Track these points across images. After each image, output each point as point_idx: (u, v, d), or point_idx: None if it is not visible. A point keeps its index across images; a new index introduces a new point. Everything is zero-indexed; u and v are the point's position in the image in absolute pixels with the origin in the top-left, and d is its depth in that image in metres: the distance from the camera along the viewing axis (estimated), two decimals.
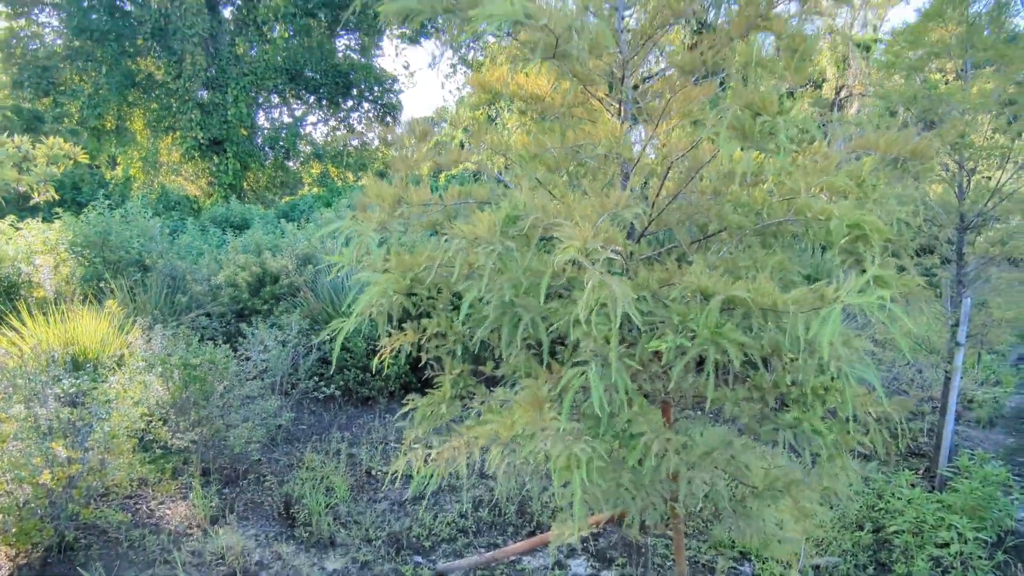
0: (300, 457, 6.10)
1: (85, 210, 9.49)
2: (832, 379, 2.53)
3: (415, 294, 2.84)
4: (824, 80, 16.05)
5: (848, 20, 17.00)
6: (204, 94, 17.30)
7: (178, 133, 17.61)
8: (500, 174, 3.61)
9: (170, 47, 16.48)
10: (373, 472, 5.96)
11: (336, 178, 20.09)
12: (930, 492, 5.64)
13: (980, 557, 4.69)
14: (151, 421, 5.07)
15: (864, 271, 2.36)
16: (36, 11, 17.00)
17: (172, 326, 7.07)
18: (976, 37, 5.39)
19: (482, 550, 4.84)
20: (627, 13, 2.82)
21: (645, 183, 2.99)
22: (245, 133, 17.72)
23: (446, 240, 2.44)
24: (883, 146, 2.76)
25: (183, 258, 9.53)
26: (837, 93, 15.68)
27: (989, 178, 6.03)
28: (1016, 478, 6.37)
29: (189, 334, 6.67)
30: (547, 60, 2.45)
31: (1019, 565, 4.80)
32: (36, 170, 4.50)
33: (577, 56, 2.31)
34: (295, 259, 8.34)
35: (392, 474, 2.90)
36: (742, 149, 2.19)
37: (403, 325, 3.42)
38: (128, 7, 16.74)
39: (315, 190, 18.26)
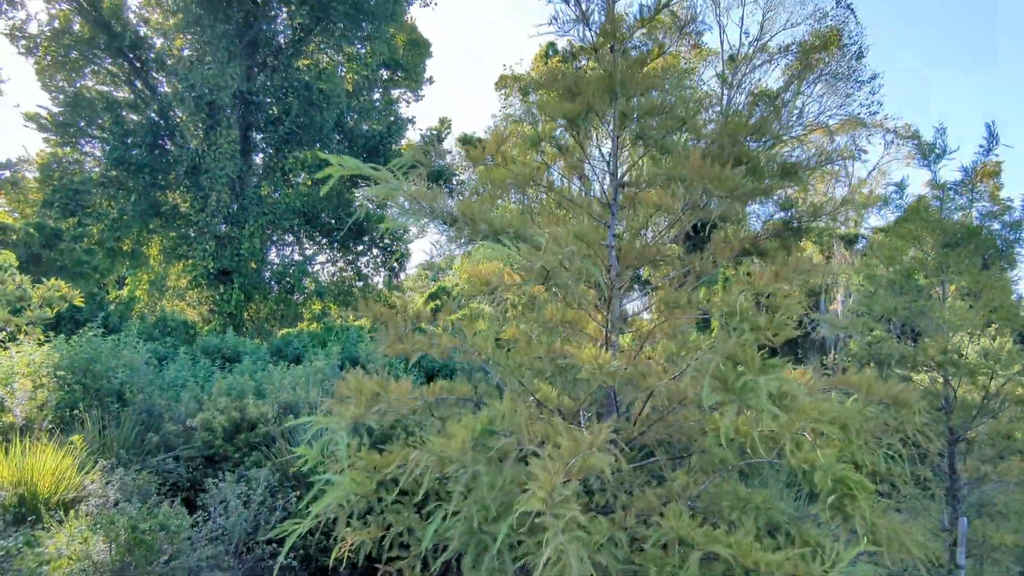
0: None
1: (80, 331, 9.47)
2: None
3: (381, 498, 2.71)
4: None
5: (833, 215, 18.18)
6: (223, 227, 18.12)
7: (191, 261, 18.16)
8: (485, 365, 3.62)
9: (199, 184, 17.56)
10: None
11: (336, 316, 20.35)
12: None
13: None
14: None
15: (852, 527, 2.26)
16: (83, 141, 18.37)
17: (135, 470, 6.72)
18: (952, 263, 5.72)
19: None
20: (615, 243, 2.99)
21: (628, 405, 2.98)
22: (254, 266, 18.27)
23: (417, 455, 2.37)
24: (864, 388, 2.78)
25: (165, 391, 9.32)
26: (830, 277, 16.39)
27: (977, 390, 6.06)
28: None
29: (151, 480, 6.32)
30: (546, 285, 2.55)
31: None
32: (28, 312, 4.54)
33: (566, 284, 2.40)
34: (276, 406, 8.16)
35: None
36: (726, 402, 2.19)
37: (367, 517, 3.24)
38: (168, 145, 18.10)
39: (313, 326, 18.42)
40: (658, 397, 2.71)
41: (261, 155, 20.13)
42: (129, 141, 17.56)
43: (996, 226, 6.03)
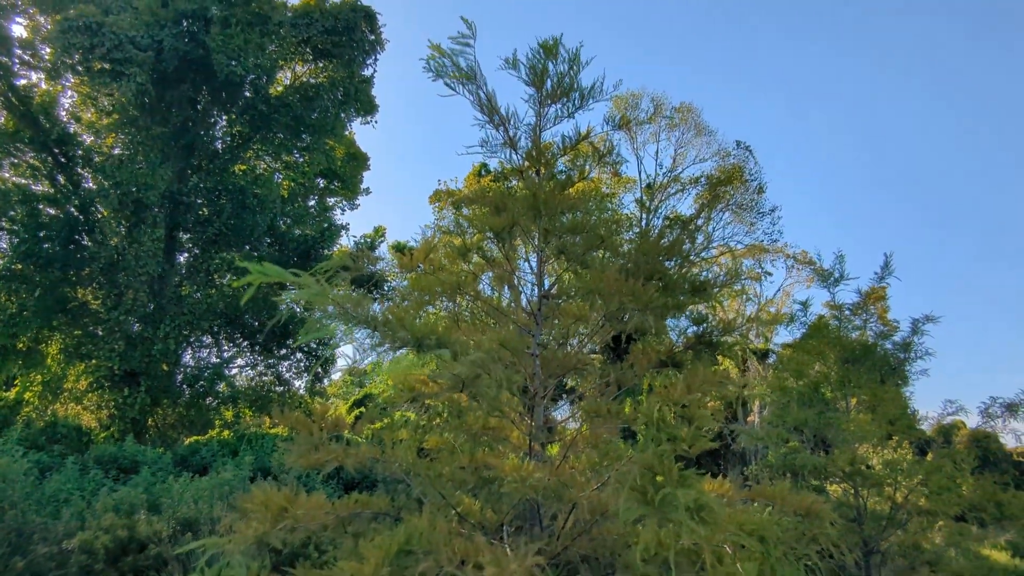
0: None
1: None
2: None
3: None
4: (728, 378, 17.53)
5: (744, 331, 19.32)
6: (136, 327, 17.08)
7: (95, 361, 16.82)
8: (406, 478, 3.49)
9: (115, 281, 16.70)
10: None
11: (250, 423, 19.07)
12: None
13: None
14: None
15: None
16: None
17: None
18: (852, 377, 6.15)
19: None
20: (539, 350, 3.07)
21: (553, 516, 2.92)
22: (166, 368, 17.12)
23: (321, 566, 2.20)
24: (779, 499, 2.86)
25: (44, 507, 8.27)
26: (740, 393, 17.01)
27: (885, 499, 6.30)
28: None
29: None
30: (463, 392, 2.55)
31: None
32: None
33: (486, 392, 2.41)
34: (173, 523, 7.38)
35: None
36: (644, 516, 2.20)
37: None
38: (85, 241, 17.32)
39: (224, 434, 17.11)
40: (581, 509, 2.68)
41: (186, 255, 19.56)
42: (42, 235, 16.72)
43: (888, 345, 6.59)
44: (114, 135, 18.58)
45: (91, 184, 17.86)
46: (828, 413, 6.43)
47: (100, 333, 17.07)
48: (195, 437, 17.40)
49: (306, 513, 2.81)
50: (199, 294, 18.39)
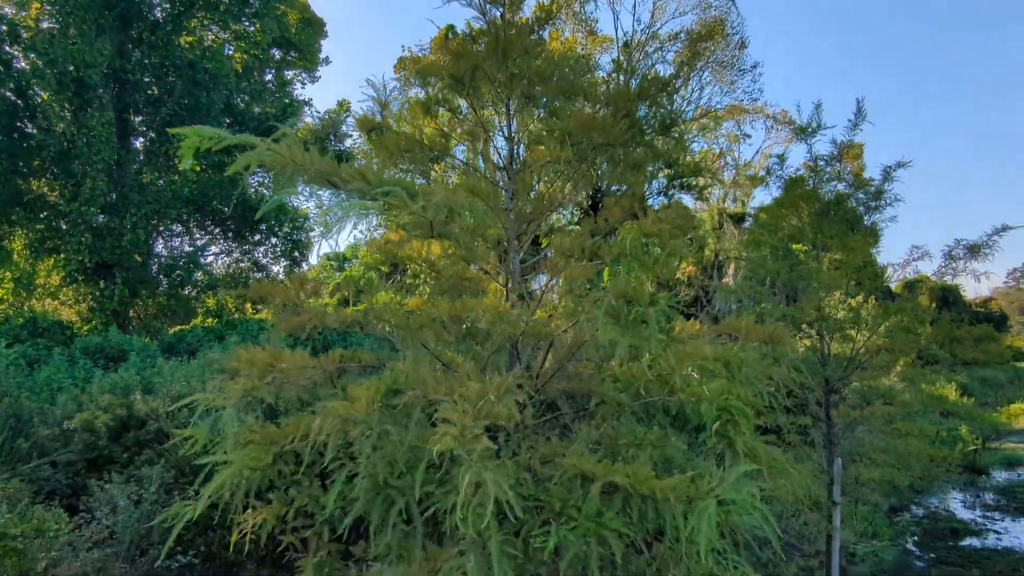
0: None
1: None
2: (714, 565, 2.48)
3: (281, 471, 2.61)
4: (706, 245, 17.92)
5: (722, 195, 19.48)
6: (100, 218, 16.54)
7: (63, 256, 16.45)
8: (391, 336, 3.58)
9: (70, 170, 15.90)
10: None
11: (232, 309, 19.20)
12: None
13: None
14: None
15: (736, 450, 2.44)
16: None
17: (3, 479, 6.06)
18: (824, 227, 6.27)
19: None
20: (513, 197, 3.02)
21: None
22: (139, 259, 16.84)
23: (319, 421, 2.30)
24: (744, 331, 2.99)
25: (37, 394, 8.47)
26: (716, 256, 17.47)
27: (848, 343, 6.71)
28: None
29: (23, 488, 5.73)
30: (435, 238, 2.54)
31: None
32: None
33: (459, 237, 2.40)
34: (168, 401, 7.62)
35: None
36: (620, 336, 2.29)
37: (269, 495, 3.12)
38: (30, 129, 16.23)
39: (208, 322, 17.29)
40: (559, 347, 2.79)
41: (141, 139, 18.52)
42: None
43: (860, 195, 6.65)
44: (38, 4, 16.78)
45: (24, 64, 16.41)
46: (800, 267, 6.62)
47: (64, 226, 16.54)
48: (180, 327, 17.55)
49: (291, 367, 2.87)
50: (162, 181, 17.68)
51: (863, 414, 6.11)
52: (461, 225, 2.32)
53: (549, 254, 3.26)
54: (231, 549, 6.67)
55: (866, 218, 6.84)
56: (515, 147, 3.54)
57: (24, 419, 7.43)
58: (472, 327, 3.03)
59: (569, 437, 2.83)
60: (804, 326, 6.71)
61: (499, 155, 3.63)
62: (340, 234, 2.68)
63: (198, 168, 18.14)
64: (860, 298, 6.89)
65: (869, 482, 6.47)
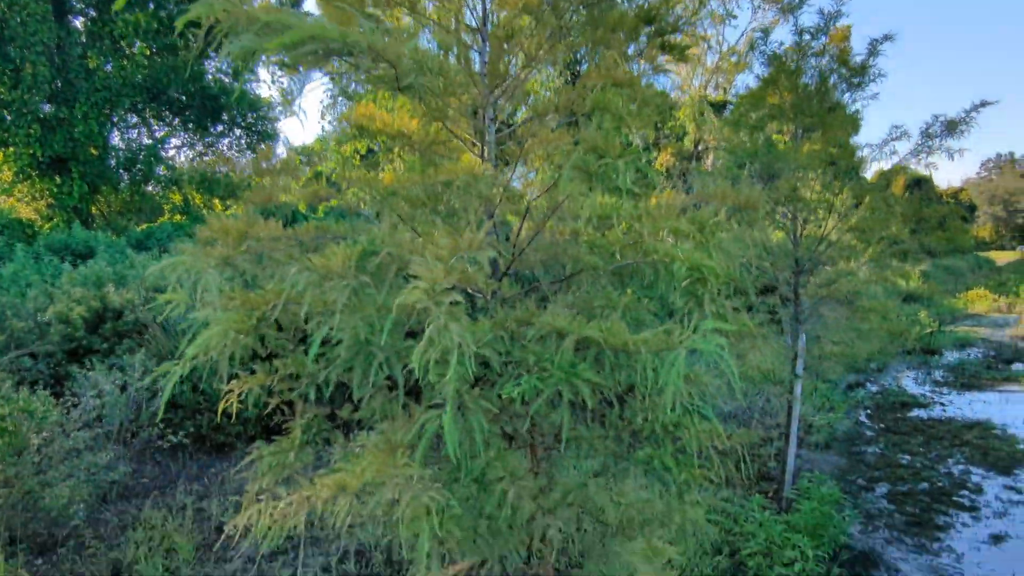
0: (137, 515, 5.39)
1: None
2: (682, 415, 2.63)
3: (263, 336, 2.62)
4: (685, 134, 17.62)
5: (703, 82, 18.89)
6: (47, 108, 15.52)
7: (11, 149, 15.56)
8: (367, 211, 3.51)
9: (7, 55, 14.67)
10: (225, 527, 5.40)
11: (201, 206, 18.67)
12: (778, 514, 6.10)
13: (819, 573, 5.10)
14: None
15: (705, 312, 2.51)
16: None
17: None
18: (804, 105, 6.14)
19: None
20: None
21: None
22: (95, 152, 16.02)
23: (295, 273, 2.28)
24: (720, 196, 2.99)
25: (5, 290, 8.32)
26: (696, 145, 17.25)
27: (819, 227, 6.82)
28: (847, 495, 7.09)
29: (3, 378, 5.77)
30: (401, 93, 2.42)
31: None
32: None
33: (429, 91, 2.29)
34: (143, 293, 7.56)
35: (237, 529, 2.62)
36: (589, 190, 2.27)
37: (252, 366, 3.17)
38: None
39: (176, 218, 16.84)
40: (535, 214, 2.77)
41: (81, 18, 17.01)
42: None
43: (843, 70, 6.47)
44: None
45: None
46: (776, 149, 6.56)
47: (9, 117, 15.53)
48: (147, 224, 17.10)
49: (267, 236, 2.81)
50: (110, 66, 16.45)
51: (830, 291, 6.33)
52: (431, 83, 2.21)
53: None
54: (220, 430, 6.91)
55: (848, 96, 6.71)
56: (488, 8, 3.31)
57: None
58: (448, 198, 2.98)
59: (546, 304, 2.88)
60: (778, 215, 6.78)
61: (473, 15, 3.40)
62: (301, 99, 2.53)
63: (148, 52, 16.86)
64: (836, 182, 6.90)
65: (831, 356, 6.84)
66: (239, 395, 3.23)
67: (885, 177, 6.89)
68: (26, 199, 17.01)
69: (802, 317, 6.82)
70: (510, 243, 2.99)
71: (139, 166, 17.52)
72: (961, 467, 8.08)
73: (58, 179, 15.74)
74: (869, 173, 7.57)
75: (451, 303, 1.88)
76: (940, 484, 7.49)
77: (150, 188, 18.41)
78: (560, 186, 2.10)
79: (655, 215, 2.67)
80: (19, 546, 4.78)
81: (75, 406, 5.37)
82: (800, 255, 6.67)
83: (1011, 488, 7.40)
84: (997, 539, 6.21)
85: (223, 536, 5.27)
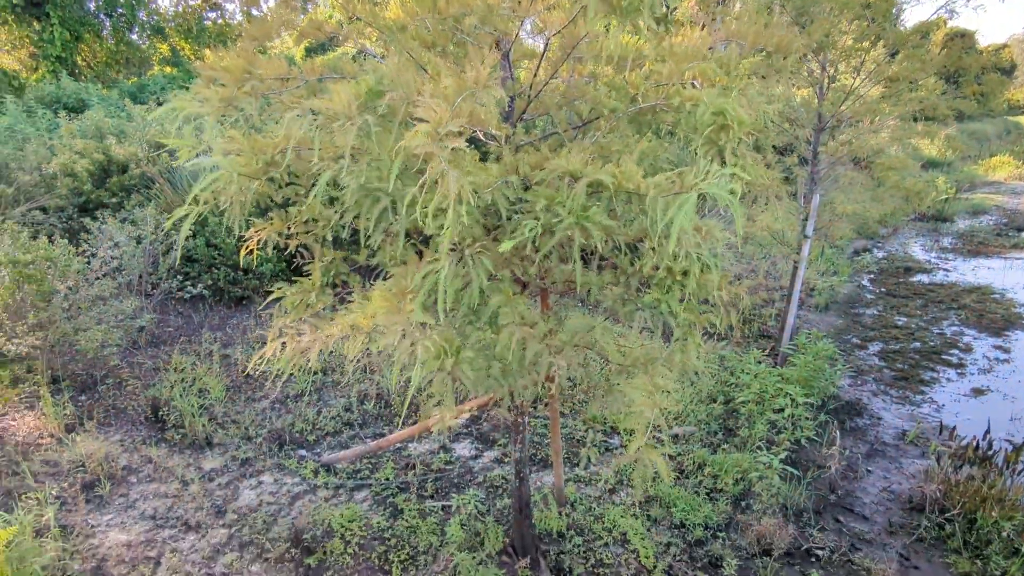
0: (167, 360, 5.73)
1: None
2: (691, 263, 2.67)
3: (273, 179, 2.59)
4: None
5: None
6: None
7: None
8: (375, 52, 3.32)
9: None
10: (250, 372, 5.76)
11: (191, 57, 17.64)
12: (773, 367, 6.42)
13: (807, 418, 5.47)
14: None
15: (724, 162, 2.45)
16: None
17: None
18: None
19: (368, 440, 4.93)
20: None
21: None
22: None
23: (296, 117, 2.21)
24: (751, 37, 2.79)
25: (3, 143, 8.16)
26: None
27: (851, 78, 6.45)
28: (841, 352, 7.41)
29: (18, 229, 5.85)
30: None
31: (835, 423, 5.67)
32: None
33: None
34: (146, 146, 7.41)
35: (259, 368, 2.78)
36: (611, 25, 2.11)
37: (269, 214, 3.18)
38: None
39: (167, 70, 16.01)
40: (553, 51, 2.60)
41: None
42: None
43: None
44: None
45: None
46: None
47: None
48: (135, 78, 16.32)
49: (270, 75, 2.68)
50: None
51: (851, 148, 6.13)
52: None
53: None
54: (237, 284, 7.11)
55: None
56: None
57: (0, 165, 7.26)
58: (459, 35, 2.79)
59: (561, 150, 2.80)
60: (803, 69, 6.36)
61: None
62: None
63: None
64: (871, 28, 6.38)
65: (842, 216, 6.79)
66: (259, 242, 3.27)
67: (924, 28, 6.37)
68: (6, 47, 16.10)
69: (818, 177, 6.68)
70: (525, 84, 2.85)
71: (120, 11, 16.34)
72: (955, 328, 8.34)
73: (37, 24, 14.77)
74: (909, 23, 6.99)
75: (454, 149, 1.82)
76: (932, 344, 7.78)
77: (135, 38, 17.32)
78: (587, 18, 1.94)
79: (679, 55, 2.51)
80: (63, 384, 5.13)
81: (94, 256, 5.48)
82: (824, 110, 6.37)
83: (1000, 348, 7.69)
84: (978, 392, 6.57)
85: (250, 379, 5.63)
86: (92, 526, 3.75)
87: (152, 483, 4.20)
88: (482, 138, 2.04)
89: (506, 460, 4.79)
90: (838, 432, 5.39)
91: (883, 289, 10.25)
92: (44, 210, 7.08)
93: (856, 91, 6.20)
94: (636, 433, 2.11)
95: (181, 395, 5.04)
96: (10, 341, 4.51)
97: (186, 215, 2.63)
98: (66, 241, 4.94)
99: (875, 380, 6.82)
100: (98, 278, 5.17)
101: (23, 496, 3.87)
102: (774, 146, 6.99)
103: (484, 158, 2.85)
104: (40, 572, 3.13)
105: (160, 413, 4.88)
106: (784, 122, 6.32)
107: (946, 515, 4.40)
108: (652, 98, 2.51)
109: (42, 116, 10.62)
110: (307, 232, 2.79)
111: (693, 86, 2.51)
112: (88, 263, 5.28)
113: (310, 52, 15.75)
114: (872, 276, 11.07)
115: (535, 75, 2.72)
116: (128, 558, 3.53)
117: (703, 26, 2.63)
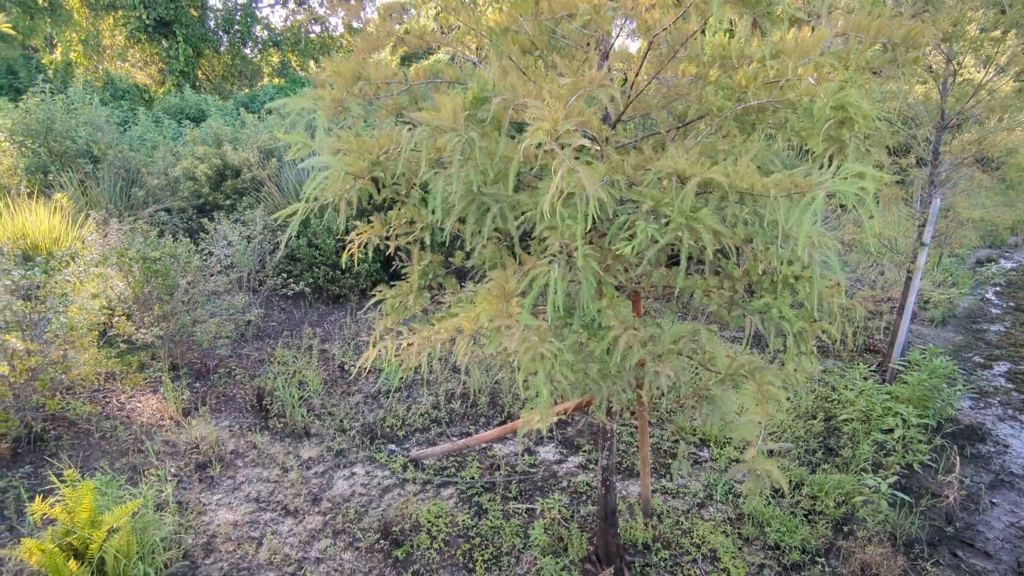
0: (271, 353, 6.10)
1: (23, 97, 8.79)
2: (803, 269, 2.52)
3: (377, 180, 2.69)
4: None
5: None
6: None
7: (120, 13, 16.08)
8: (473, 57, 3.38)
9: None
10: (345, 367, 6.02)
11: (297, 68, 18.81)
12: (881, 384, 5.96)
13: (920, 441, 5.03)
14: (113, 315, 4.95)
15: (849, 159, 2.29)
16: None
17: (129, 221, 6.78)
18: None
19: (454, 438, 5.02)
20: None
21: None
22: (196, 14, 16.27)
23: (409, 128, 2.27)
24: (874, 30, 2.59)
25: (136, 150, 9.00)
26: None
27: (979, 71, 5.90)
28: (960, 371, 6.76)
29: (147, 229, 6.42)
30: None
31: (954, 448, 5.17)
32: None
33: None
34: (257, 152, 7.94)
35: (363, 368, 2.89)
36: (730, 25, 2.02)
37: (370, 218, 3.30)
38: None
39: (276, 81, 17.14)
40: (658, 46, 2.54)
41: None
42: None
43: None
44: None
45: None
46: None
47: None
48: (249, 89, 17.56)
49: (378, 77, 2.78)
50: None
51: (981, 147, 5.58)
52: None
53: None
54: (335, 283, 7.46)
55: None
56: None
57: (133, 170, 8.02)
58: (560, 43, 2.78)
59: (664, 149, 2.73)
60: (921, 64, 5.86)
61: None
62: None
63: None
64: (1005, 24, 5.81)
65: (967, 222, 6.20)
66: (361, 245, 3.40)
67: None
68: (139, 64, 17.82)
69: (938, 180, 6.14)
70: (627, 84, 2.79)
71: (236, 27, 17.68)
72: None
73: (165, 42, 16.24)
74: None
75: (578, 147, 1.81)
76: None
77: (248, 52, 18.67)
78: (714, 12, 1.87)
79: (793, 50, 2.38)
80: (181, 371, 5.58)
81: (210, 254, 5.93)
82: (948, 108, 5.85)
83: None
84: None
85: (345, 373, 5.89)
86: (204, 504, 4.04)
87: (256, 467, 4.47)
88: (584, 143, 2.02)
89: (590, 466, 4.73)
90: (957, 458, 4.91)
91: (1012, 303, 9.28)
92: (168, 211, 7.75)
93: (986, 85, 5.65)
94: (748, 443, 2.01)
95: (283, 386, 5.34)
96: (139, 330, 4.95)
97: (294, 212, 2.78)
98: (187, 239, 5.37)
99: (1001, 404, 6.17)
100: (213, 275, 5.59)
101: (146, 472, 4.24)
102: (887, 147, 6.50)
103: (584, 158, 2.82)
104: (159, 543, 3.40)
105: (264, 402, 5.19)
106: (899, 121, 5.86)
107: None
108: (762, 96, 2.39)
109: (168, 126, 11.65)
110: (407, 234, 2.87)
111: (808, 82, 2.37)
112: (206, 260, 5.71)
113: (404, 61, 16.39)
114: (999, 289, 10.05)
115: (636, 73, 2.67)
116: (234, 536, 3.77)
117: (812, 27, 2.47)
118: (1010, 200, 5.79)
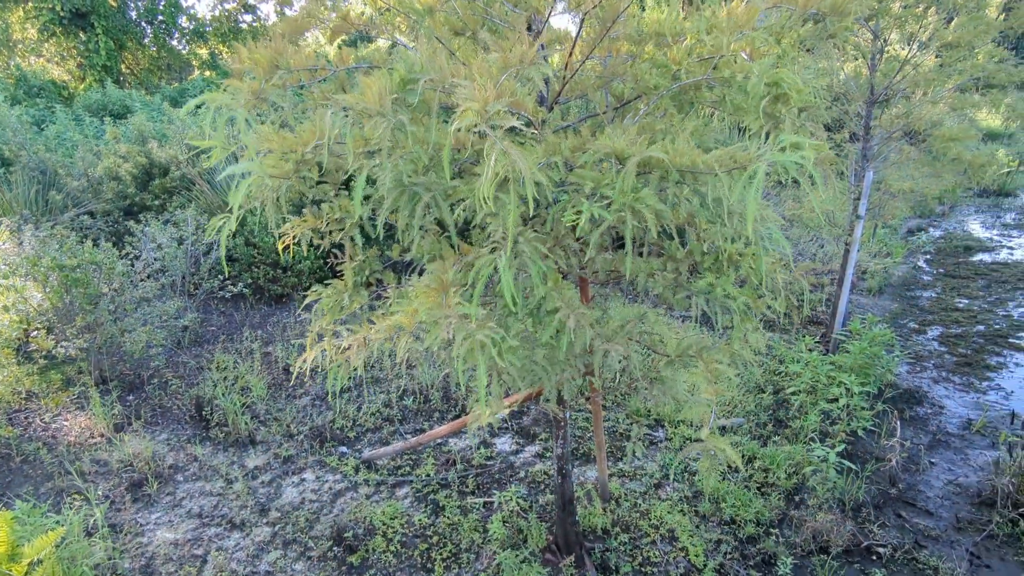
0: (210, 359, 5.81)
1: None
2: (746, 246, 2.50)
3: (305, 178, 2.52)
4: None
5: None
6: None
7: (31, 4, 15.00)
8: (409, 43, 3.23)
9: None
10: (291, 370, 5.79)
11: (229, 59, 17.98)
12: (825, 355, 6.14)
13: (863, 408, 5.20)
14: (30, 329, 4.59)
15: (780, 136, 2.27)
16: None
17: (47, 227, 6.32)
18: None
19: (408, 436, 4.89)
20: None
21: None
22: (115, 4, 15.31)
23: (333, 113, 2.12)
24: (803, 1, 2.59)
25: (53, 151, 8.41)
26: None
27: (903, 47, 6.08)
28: (898, 338, 7.04)
29: (66, 235, 6.00)
30: None
31: (894, 412, 5.38)
32: None
33: None
34: (186, 148, 7.52)
35: (302, 370, 2.74)
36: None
37: (304, 211, 3.13)
38: None
39: (207, 74, 16.34)
40: (591, 23, 2.46)
41: None
42: None
43: None
44: None
45: None
46: None
47: None
48: (177, 84, 16.71)
49: (299, 65, 2.60)
50: None
51: (908, 121, 5.77)
52: None
53: None
54: (276, 282, 7.17)
55: None
56: None
57: (50, 172, 7.49)
58: (493, 24, 2.67)
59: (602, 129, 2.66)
60: (850, 41, 6.01)
61: None
62: None
63: None
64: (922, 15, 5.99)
65: (898, 194, 6.42)
66: (294, 238, 3.22)
67: None
68: (55, 59, 16.69)
69: (870, 154, 6.33)
70: (561, 64, 2.71)
71: (160, 18, 16.75)
72: (1022, 309, 7.84)
73: (83, 35, 15.25)
74: None
75: (509, 129, 1.71)
76: (997, 326, 7.33)
77: (175, 43, 17.74)
78: None
79: (726, 26, 2.34)
80: (110, 384, 5.25)
81: (137, 258, 5.58)
82: (876, 82, 6.02)
83: None
84: None
85: (291, 376, 5.66)
86: (140, 525, 3.80)
87: (198, 481, 4.24)
88: (516, 124, 1.93)
89: (547, 455, 4.69)
90: (898, 422, 5.10)
91: (941, 270, 9.73)
92: (92, 215, 7.27)
93: (911, 60, 5.83)
94: (702, 422, 1.97)
95: (224, 394, 5.09)
96: (60, 344, 4.61)
97: (225, 220, 2.59)
98: (110, 244, 5.02)
99: (936, 366, 6.45)
100: (142, 280, 5.26)
101: (73, 495, 3.96)
102: (823, 125, 6.66)
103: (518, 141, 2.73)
104: (90, 572, 3.17)
105: (204, 412, 4.93)
106: (830, 97, 5.99)
107: (1020, 510, 4.11)
108: (697, 73, 2.34)
109: (89, 124, 10.95)
110: (339, 230, 2.72)
111: (742, 58, 2.34)
112: (132, 265, 5.37)
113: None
114: (929, 257, 10.53)
115: (570, 55, 2.59)
116: (175, 556, 3.56)
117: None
118: (936, 171, 6.02)
